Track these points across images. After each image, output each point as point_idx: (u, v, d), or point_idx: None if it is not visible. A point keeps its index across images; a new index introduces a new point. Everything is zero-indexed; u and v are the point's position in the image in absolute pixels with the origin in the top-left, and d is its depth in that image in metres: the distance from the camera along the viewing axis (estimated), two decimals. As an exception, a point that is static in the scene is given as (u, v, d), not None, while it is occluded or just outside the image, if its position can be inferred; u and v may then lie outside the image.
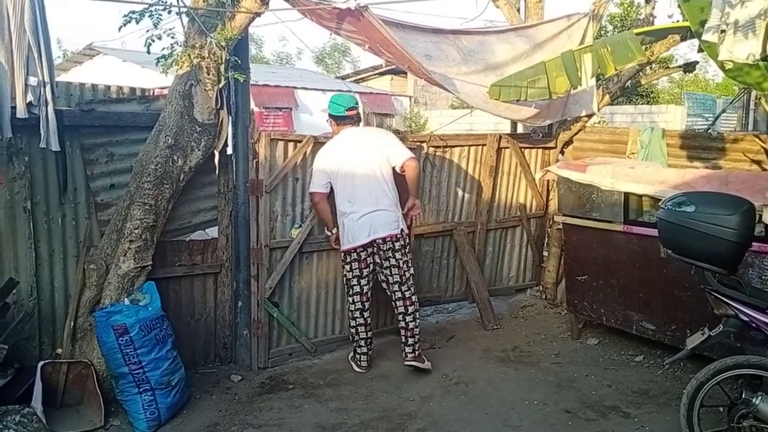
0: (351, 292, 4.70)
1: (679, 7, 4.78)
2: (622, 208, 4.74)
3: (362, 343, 4.72)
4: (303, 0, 4.33)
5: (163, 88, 5.91)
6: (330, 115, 4.75)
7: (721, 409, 3.46)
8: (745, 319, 3.17)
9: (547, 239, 6.52)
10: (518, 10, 6.44)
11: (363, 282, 4.67)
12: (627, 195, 4.68)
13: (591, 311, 5.12)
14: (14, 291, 3.81)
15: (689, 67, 6.09)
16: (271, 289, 4.75)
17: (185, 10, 3.99)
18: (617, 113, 17.13)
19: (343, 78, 24.39)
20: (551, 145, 6.39)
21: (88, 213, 4.16)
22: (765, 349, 3.56)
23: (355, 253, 4.61)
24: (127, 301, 3.86)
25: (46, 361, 3.84)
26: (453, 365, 4.84)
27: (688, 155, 5.78)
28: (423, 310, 6.06)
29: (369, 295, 4.72)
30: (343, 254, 4.69)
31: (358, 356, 4.75)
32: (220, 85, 4.19)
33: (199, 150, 4.28)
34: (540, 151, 6.43)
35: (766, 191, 3.75)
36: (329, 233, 4.80)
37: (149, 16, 3.91)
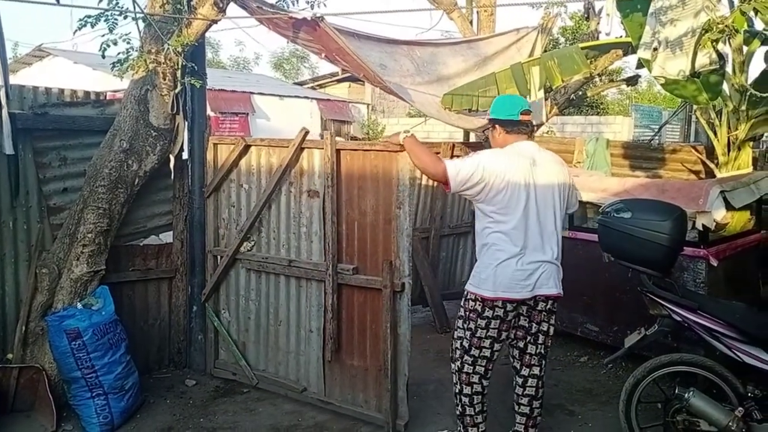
0: (478, 354, 3.42)
1: (621, 23, 5.04)
2: (568, 215, 4.93)
3: (479, 418, 3.51)
4: (259, 8, 4.40)
5: (116, 91, 5.90)
6: (495, 121, 3.51)
7: (659, 405, 3.65)
8: (678, 318, 3.36)
9: (498, 245, 6.69)
10: (471, 22, 6.65)
11: (497, 347, 3.44)
12: (572, 202, 4.87)
13: (539, 314, 5.29)
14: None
15: (631, 80, 6.40)
16: (205, 295, 4.65)
17: (141, 15, 4.02)
18: (568, 123, 17.65)
19: (300, 84, 24.42)
20: (502, 153, 6.58)
21: (41, 217, 4.14)
22: (699, 348, 3.78)
23: (502, 309, 3.35)
24: (80, 306, 3.86)
25: (-4, 366, 3.80)
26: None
27: (630, 164, 6.07)
28: (378, 314, 6.18)
29: (495, 361, 3.51)
30: (479, 304, 3.37)
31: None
32: (176, 91, 4.23)
33: (154, 154, 4.30)
34: (492, 159, 6.62)
35: (699, 199, 3.99)
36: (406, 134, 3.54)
37: (105, 20, 3.93)
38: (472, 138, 6.98)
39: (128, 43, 4.00)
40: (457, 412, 3.56)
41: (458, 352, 3.47)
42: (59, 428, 3.73)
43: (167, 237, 4.73)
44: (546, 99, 6.11)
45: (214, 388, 4.54)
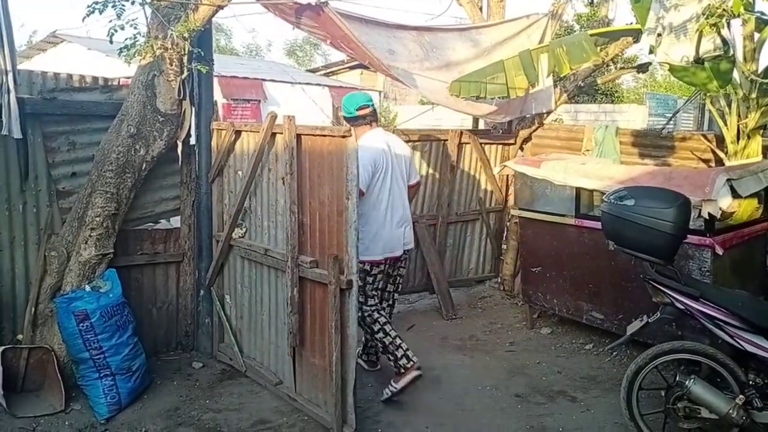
0: (369, 303, 4.19)
1: (632, 9, 4.99)
2: (574, 203, 4.93)
3: (398, 341, 4.13)
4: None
5: (128, 77, 5.93)
6: (344, 119, 4.33)
7: (662, 393, 3.65)
8: (681, 306, 3.36)
9: (506, 233, 6.71)
10: (480, 8, 6.61)
11: (382, 296, 4.40)
12: (578, 190, 4.87)
13: (544, 302, 5.31)
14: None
15: (642, 67, 6.33)
16: (209, 279, 4.68)
17: (149, 1, 4.04)
18: (581, 111, 17.50)
19: (313, 71, 24.36)
20: (511, 141, 6.58)
21: (50, 201, 4.19)
22: (704, 336, 3.77)
23: (383, 266, 4.23)
24: (88, 288, 3.91)
25: (7, 346, 3.87)
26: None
27: (640, 153, 6.01)
28: (384, 300, 6.21)
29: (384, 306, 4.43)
30: (368, 265, 4.12)
31: (407, 358, 4.07)
32: (183, 76, 4.25)
33: (161, 140, 4.34)
34: (500, 146, 6.61)
35: (705, 187, 3.96)
36: None
37: (112, 6, 3.95)
38: (481, 125, 6.97)
39: (135, 28, 4.02)
40: (381, 348, 4.20)
41: (362, 307, 4.13)
42: (68, 407, 3.80)
43: (176, 222, 4.79)
44: (555, 86, 6.09)
45: (220, 370, 4.60)
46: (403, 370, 4.04)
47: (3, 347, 3.83)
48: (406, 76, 5.14)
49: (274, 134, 4.04)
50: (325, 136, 3.66)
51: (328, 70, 23.83)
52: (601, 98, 20.09)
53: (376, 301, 4.25)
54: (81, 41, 17.46)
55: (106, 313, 3.80)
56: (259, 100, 17.72)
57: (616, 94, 21.13)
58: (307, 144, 3.79)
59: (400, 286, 4.59)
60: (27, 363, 3.92)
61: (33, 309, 3.98)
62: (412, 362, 4.04)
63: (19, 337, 4.01)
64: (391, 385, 4.07)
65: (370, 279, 4.18)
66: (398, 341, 4.11)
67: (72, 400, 3.88)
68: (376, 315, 4.18)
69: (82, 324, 3.72)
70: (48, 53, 19.26)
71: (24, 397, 3.84)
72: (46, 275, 4.03)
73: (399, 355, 4.06)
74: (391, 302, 4.55)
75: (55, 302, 3.83)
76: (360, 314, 3.99)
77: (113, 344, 3.82)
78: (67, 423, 3.67)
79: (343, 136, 3.45)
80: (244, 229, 4.45)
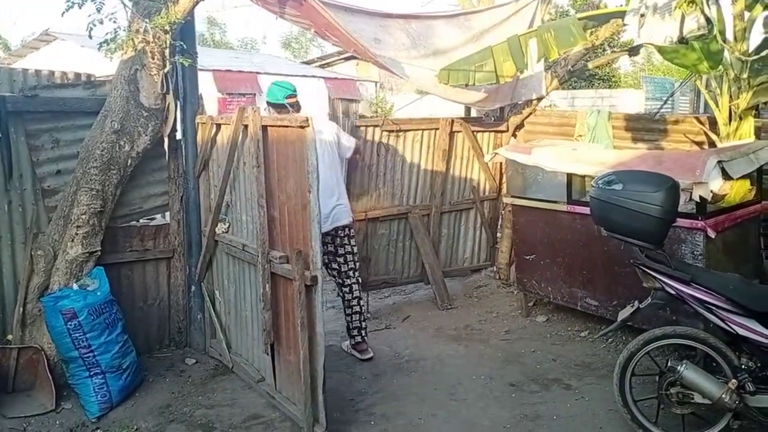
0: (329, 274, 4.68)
1: (623, -9, 4.92)
2: (566, 189, 4.89)
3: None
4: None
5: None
6: (268, 103, 4.55)
7: (656, 378, 3.62)
8: (671, 291, 3.32)
9: (500, 221, 6.67)
10: (470, -6, 6.53)
11: (339, 275, 4.72)
12: (570, 176, 4.83)
13: (539, 289, 5.27)
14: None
15: (634, 50, 6.25)
16: (198, 275, 4.65)
17: (128, -7, 3.99)
18: (578, 97, 17.43)
19: (308, 63, 24.22)
20: (503, 128, 6.51)
21: (35, 199, 4.15)
22: (698, 320, 3.73)
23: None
24: (75, 286, 3.88)
25: (-4, 347, 3.86)
26: (406, 344, 4.97)
27: (632, 137, 5.96)
28: (380, 291, 6.20)
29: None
30: None
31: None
32: (166, 70, 4.20)
33: (146, 135, 4.30)
34: (492, 134, 6.55)
35: (696, 170, 3.91)
36: None
37: (92, 0, 3.90)
38: (473, 113, 6.91)
39: (114, 22, 3.97)
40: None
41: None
42: (58, 406, 3.78)
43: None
44: (546, 72, 6.03)
45: (213, 366, 4.58)
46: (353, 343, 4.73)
47: (-9, 348, 3.81)
48: (393, 65, 5.08)
49: (246, 126, 3.94)
50: (286, 126, 3.56)
51: (324, 62, 23.66)
52: (599, 83, 20.00)
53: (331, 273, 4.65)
54: (74, 38, 17.37)
55: (93, 311, 3.77)
56: (255, 94, 17.65)
57: (613, 79, 21.03)
58: (273, 135, 3.72)
59: (356, 263, 4.76)
60: (17, 363, 3.90)
61: (21, 309, 3.96)
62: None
63: (9, 337, 3.99)
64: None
65: None
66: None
67: (63, 400, 3.86)
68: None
69: (69, 323, 3.69)
70: (41, 51, 19.18)
71: (15, 398, 3.82)
72: (33, 274, 4.01)
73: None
74: (354, 280, 4.73)
75: (42, 301, 3.81)
76: None
77: (102, 342, 3.80)
78: (57, 422, 3.65)
79: (301, 126, 3.35)
80: (227, 224, 4.41)
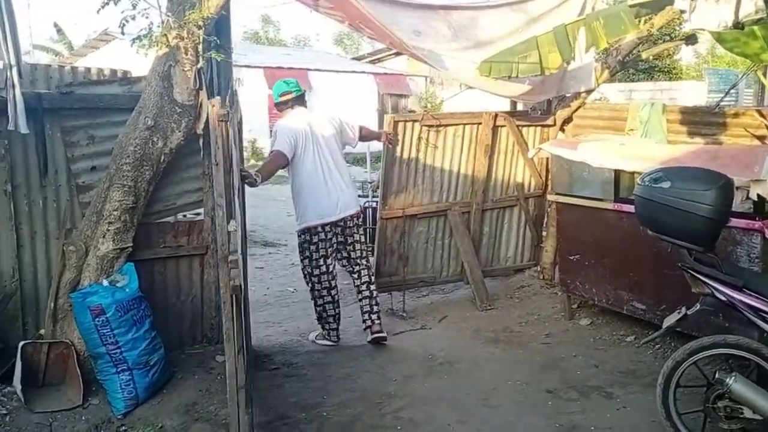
0: (317, 272, 4.81)
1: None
2: (613, 186, 4.64)
3: (331, 319, 4.91)
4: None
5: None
6: (275, 105, 5.00)
7: (704, 390, 3.37)
8: (722, 297, 3.07)
9: (546, 219, 6.41)
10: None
11: (329, 261, 4.83)
12: (618, 172, 4.58)
13: (583, 291, 5.03)
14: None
15: (690, 39, 5.87)
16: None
17: (162, -11, 3.96)
18: (636, 90, 16.80)
19: (358, 59, 24.25)
20: (550, 122, 6.26)
21: (70, 195, 4.17)
22: (753, 329, 3.45)
23: (323, 232, 4.75)
24: (105, 283, 3.88)
25: (27, 341, 3.89)
26: (441, 345, 4.82)
27: (688, 131, 5.60)
28: (418, 290, 6.05)
29: (335, 274, 4.91)
30: (307, 233, 4.77)
31: (329, 332, 4.94)
32: (199, 66, 4.16)
33: (179, 131, 4.26)
34: (538, 128, 6.31)
35: (755, 166, 3.63)
36: (256, 178, 4.39)
37: (127, -5, 3.89)
38: (520, 107, 6.66)
39: (147, 17, 3.95)
40: (317, 316, 4.94)
41: (307, 277, 4.86)
42: (86, 402, 3.78)
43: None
44: (596, 62, 5.75)
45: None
46: (327, 337, 4.91)
47: (23, 342, 3.84)
48: (432, 57, 4.92)
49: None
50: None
51: (374, 57, 23.66)
52: (659, 76, 19.22)
53: (323, 270, 4.78)
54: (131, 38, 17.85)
55: (121, 307, 3.76)
56: (305, 90, 17.73)
57: (674, 71, 20.17)
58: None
59: (364, 251, 4.96)
60: (47, 357, 3.92)
61: (53, 304, 3.98)
62: (335, 339, 4.92)
63: (41, 331, 4.03)
64: (315, 337, 4.99)
65: (313, 247, 4.75)
66: (332, 321, 4.89)
67: (91, 395, 3.86)
68: (324, 293, 4.80)
69: (97, 319, 3.69)
70: (101, 50, 19.84)
71: (44, 392, 3.84)
72: (65, 270, 4.02)
73: (329, 328, 4.90)
74: (363, 266, 4.94)
75: (71, 297, 3.82)
76: (310, 285, 4.86)
77: (130, 339, 3.78)
78: (83, 418, 3.66)
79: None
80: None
